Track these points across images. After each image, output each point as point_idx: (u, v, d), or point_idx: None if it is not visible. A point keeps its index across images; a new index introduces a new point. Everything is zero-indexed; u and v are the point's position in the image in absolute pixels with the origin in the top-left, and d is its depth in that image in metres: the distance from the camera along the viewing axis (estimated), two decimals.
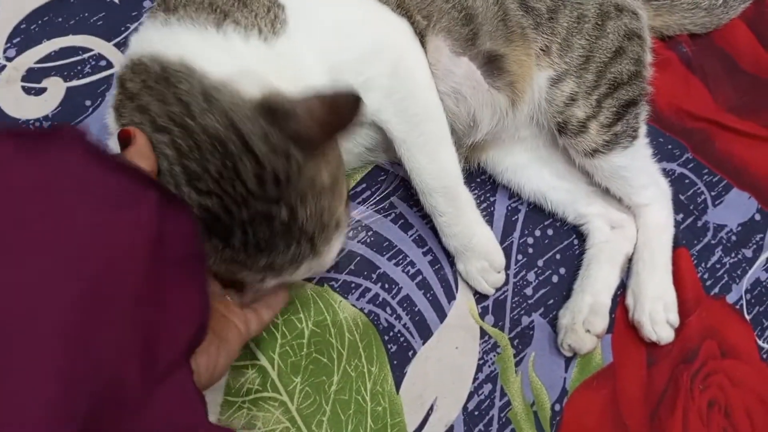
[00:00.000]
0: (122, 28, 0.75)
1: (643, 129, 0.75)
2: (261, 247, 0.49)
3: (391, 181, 0.74)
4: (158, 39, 0.55)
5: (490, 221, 0.76)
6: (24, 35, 0.74)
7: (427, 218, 0.71)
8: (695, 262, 0.79)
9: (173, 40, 0.54)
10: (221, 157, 0.46)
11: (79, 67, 0.73)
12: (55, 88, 0.72)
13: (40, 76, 0.72)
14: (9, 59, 0.73)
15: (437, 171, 0.65)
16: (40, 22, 0.75)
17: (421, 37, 0.67)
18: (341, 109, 0.48)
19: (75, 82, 0.73)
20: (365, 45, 0.62)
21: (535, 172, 0.76)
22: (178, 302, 0.43)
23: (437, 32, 0.67)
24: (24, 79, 0.72)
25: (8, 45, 0.74)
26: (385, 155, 0.71)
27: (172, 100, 0.48)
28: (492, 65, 0.69)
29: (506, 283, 0.72)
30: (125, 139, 0.47)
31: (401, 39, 0.64)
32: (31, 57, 0.73)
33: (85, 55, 0.74)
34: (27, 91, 0.72)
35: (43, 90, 0.72)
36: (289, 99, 0.48)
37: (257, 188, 0.47)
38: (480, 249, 0.69)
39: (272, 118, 0.47)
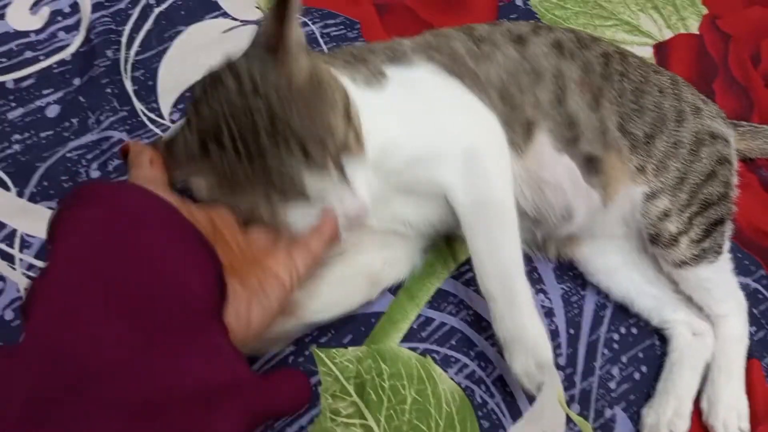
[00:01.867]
0: None
1: (726, 245, 0.82)
2: (248, 145, 0.54)
3: None
4: None
5: (580, 314, 0.82)
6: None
7: None
8: (765, 374, 0.84)
9: None
10: (212, 83, 0.58)
11: None
12: None
13: None
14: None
15: (496, 258, 0.68)
16: None
17: (529, 125, 0.74)
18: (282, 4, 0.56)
19: None
20: (447, 125, 0.69)
21: (625, 276, 0.82)
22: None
23: (543, 129, 0.75)
24: None
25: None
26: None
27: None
28: (590, 165, 0.77)
29: (592, 374, 0.78)
30: (124, 155, 0.58)
31: (485, 129, 0.71)
32: None
33: None
34: None
35: None
36: None
37: (234, 85, 0.56)
38: (529, 344, 0.68)
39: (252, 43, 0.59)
